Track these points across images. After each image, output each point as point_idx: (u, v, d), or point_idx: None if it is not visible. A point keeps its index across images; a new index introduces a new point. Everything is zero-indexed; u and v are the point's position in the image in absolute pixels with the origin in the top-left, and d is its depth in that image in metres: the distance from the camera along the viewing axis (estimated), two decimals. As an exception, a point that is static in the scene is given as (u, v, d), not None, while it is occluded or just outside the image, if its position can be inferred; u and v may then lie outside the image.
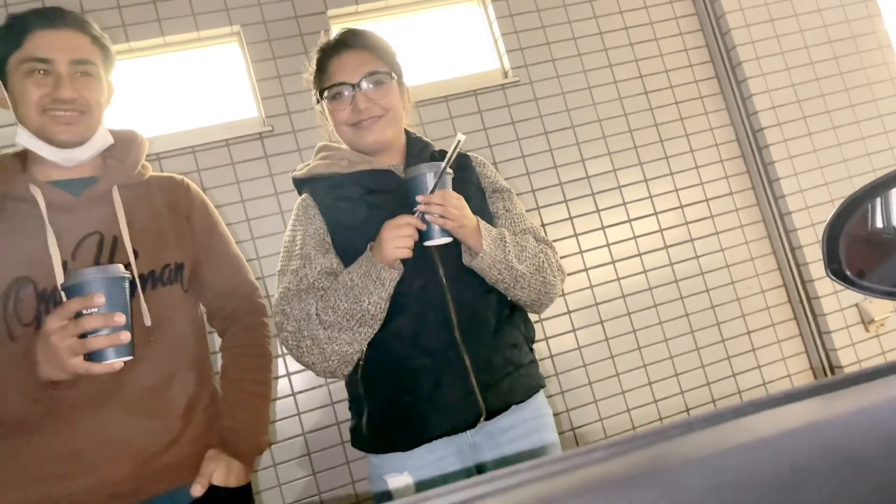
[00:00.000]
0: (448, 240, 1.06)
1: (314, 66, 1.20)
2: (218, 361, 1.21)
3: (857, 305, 2.16)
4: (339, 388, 1.87)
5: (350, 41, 1.17)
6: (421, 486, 1.10)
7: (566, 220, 2.11)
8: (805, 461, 0.25)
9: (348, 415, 1.20)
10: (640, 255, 2.15)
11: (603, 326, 2.09)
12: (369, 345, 1.10)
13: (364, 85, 1.13)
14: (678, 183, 2.22)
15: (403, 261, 1.06)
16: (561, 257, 1.68)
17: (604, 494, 0.25)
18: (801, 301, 2.20)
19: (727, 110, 2.31)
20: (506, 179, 1.30)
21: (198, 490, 1.02)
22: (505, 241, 1.11)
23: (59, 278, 0.98)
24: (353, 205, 1.13)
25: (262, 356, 1.19)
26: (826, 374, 2.20)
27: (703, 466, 0.26)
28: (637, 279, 2.14)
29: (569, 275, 2.06)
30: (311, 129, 1.90)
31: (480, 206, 1.19)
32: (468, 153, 1.28)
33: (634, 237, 2.16)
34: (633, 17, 2.28)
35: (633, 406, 2.07)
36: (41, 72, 1.00)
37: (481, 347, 1.11)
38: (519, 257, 1.12)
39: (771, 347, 2.21)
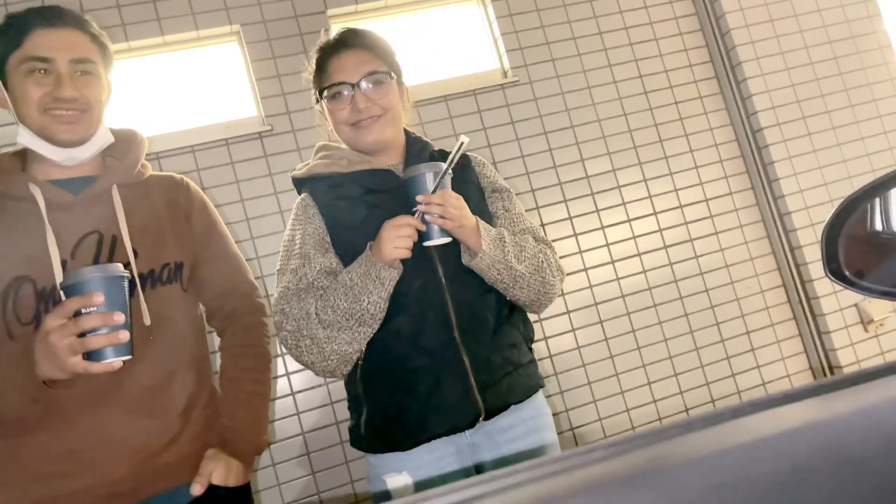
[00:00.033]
0: (447, 240, 1.06)
1: (314, 66, 1.20)
2: (217, 361, 1.21)
3: (856, 305, 2.16)
4: (339, 388, 1.87)
5: (350, 41, 1.17)
6: (420, 485, 1.10)
7: (566, 219, 2.11)
8: (804, 461, 0.25)
9: (347, 414, 1.20)
10: (639, 254, 2.15)
11: (602, 326, 2.09)
12: (368, 344, 1.10)
13: (363, 84, 1.13)
14: (678, 183, 2.22)
15: (403, 261, 1.06)
16: (560, 257, 1.68)
17: (603, 494, 0.25)
18: (801, 301, 2.20)
19: (727, 110, 2.31)
20: (505, 179, 1.30)
21: (197, 489, 1.02)
22: (504, 241, 1.11)
23: (59, 277, 0.98)
24: (353, 204, 1.13)
25: (262, 356, 1.19)
26: (825, 375, 2.20)
27: (703, 466, 0.26)
28: (636, 279, 2.14)
29: (568, 275, 2.06)
30: (311, 129, 1.89)
31: (480, 205, 1.19)
32: (468, 153, 1.28)
33: (634, 237, 2.16)
34: (632, 17, 2.28)
35: (632, 406, 2.07)
36: (41, 71, 1.00)
37: (480, 347, 1.11)
38: (518, 257, 1.12)
39: (770, 347, 2.21)
